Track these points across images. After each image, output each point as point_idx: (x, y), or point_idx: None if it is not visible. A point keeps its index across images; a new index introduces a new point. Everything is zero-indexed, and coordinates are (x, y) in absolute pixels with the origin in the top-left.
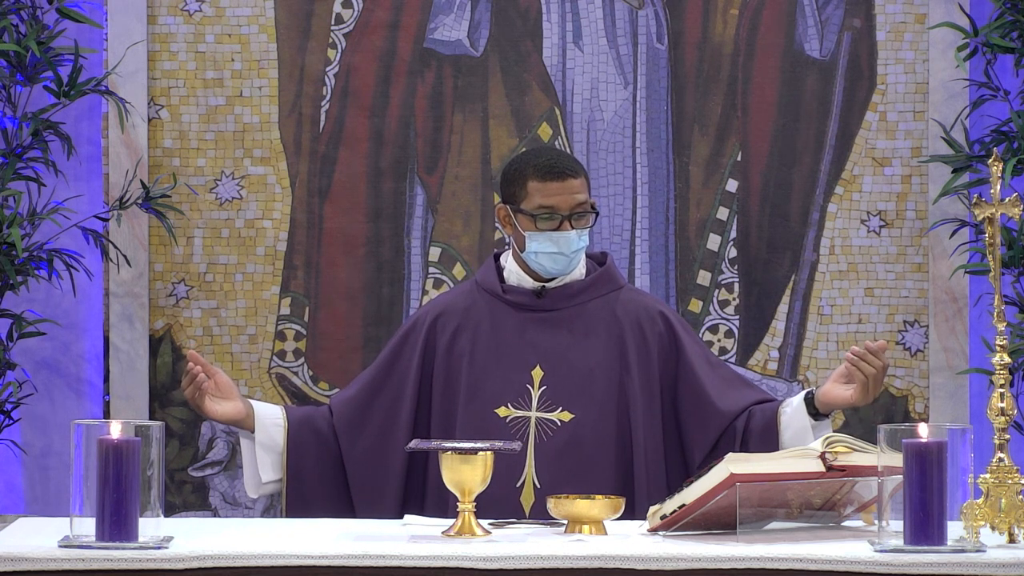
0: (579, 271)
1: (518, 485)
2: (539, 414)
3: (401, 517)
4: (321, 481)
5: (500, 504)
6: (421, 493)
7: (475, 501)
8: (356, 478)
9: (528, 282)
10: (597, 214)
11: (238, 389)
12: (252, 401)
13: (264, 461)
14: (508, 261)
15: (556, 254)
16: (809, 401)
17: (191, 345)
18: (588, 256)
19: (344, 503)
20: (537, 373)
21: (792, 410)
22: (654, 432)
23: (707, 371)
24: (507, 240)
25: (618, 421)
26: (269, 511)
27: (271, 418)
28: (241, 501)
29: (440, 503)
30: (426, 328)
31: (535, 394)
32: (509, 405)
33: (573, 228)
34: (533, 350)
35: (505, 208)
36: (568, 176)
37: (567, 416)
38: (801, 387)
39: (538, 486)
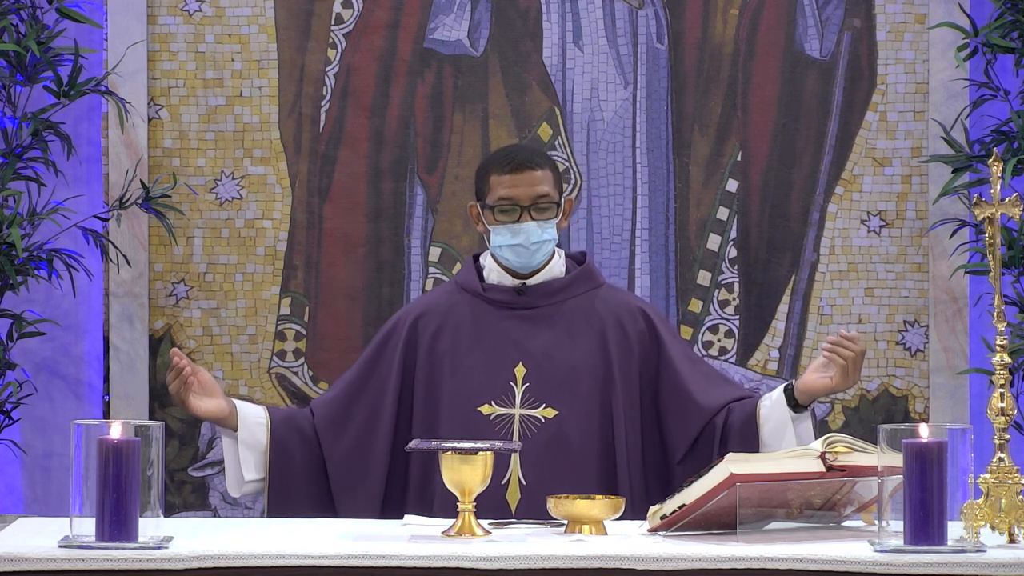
0: (558, 268)
1: (503, 483)
2: (523, 411)
3: (382, 517)
4: (303, 480)
5: (485, 502)
6: (402, 492)
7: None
8: (337, 478)
9: (508, 280)
10: (559, 206)
11: (221, 388)
12: (235, 400)
13: (247, 459)
14: (487, 260)
15: (517, 246)
16: (789, 394)
17: (191, 345)
18: (568, 256)
19: (326, 503)
20: (520, 370)
21: (772, 403)
22: (635, 428)
23: (688, 368)
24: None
25: (601, 417)
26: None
27: (254, 417)
28: (241, 501)
29: (423, 502)
30: (407, 329)
31: (518, 391)
32: (492, 403)
33: (533, 220)
34: (515, 348)
35: (476, 206)
36: (527, 168)
37: (551, 413)
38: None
39: (524, 483)
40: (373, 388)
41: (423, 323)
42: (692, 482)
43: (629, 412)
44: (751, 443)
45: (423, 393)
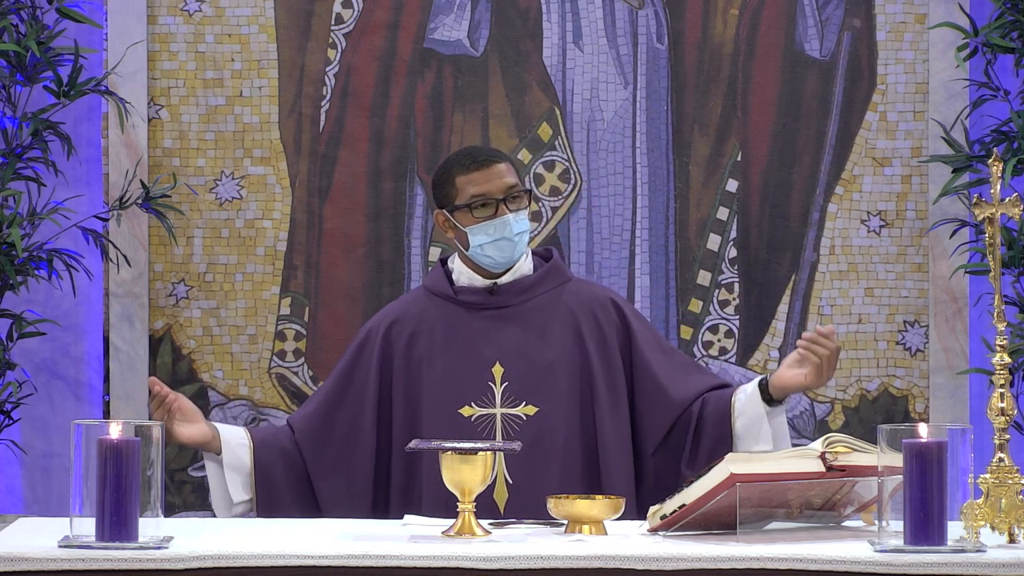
0: (527, 266)
1: (490, 483)
2: (504, 410)
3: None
4: (290, 496)
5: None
6: (385, 495)
7: (447, 502)
8: (324, 491)
9: (479, 281)
10: (530, 193)
11: (201, 413)
12: (216, 424)
13: (235, 481)
14: (456, 263)
15: (500, 240)
16: (764, 388)
17: (191, 345)
18: (534, 253)
19: (314, 516)
20: (497, 370)
21: (746, 397)
22: (617, 419)
23: (660, 358)
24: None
25: (582, 410)
26: None
27: (236, 439)
28: None
29: (409, 503)
30: (381, 337)
31: (498, 391)
32: (473, 404)
33: (509, 211)
34: (491, 347)
35: (443, 213)
36: (492, 162)
37: (532, 410)
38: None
39: (510, 482)
40: (351, 399)
41: (396, 330)
42: (692, 482)
43: (610, 402)
44: (725, 436)
45: (402, 400)
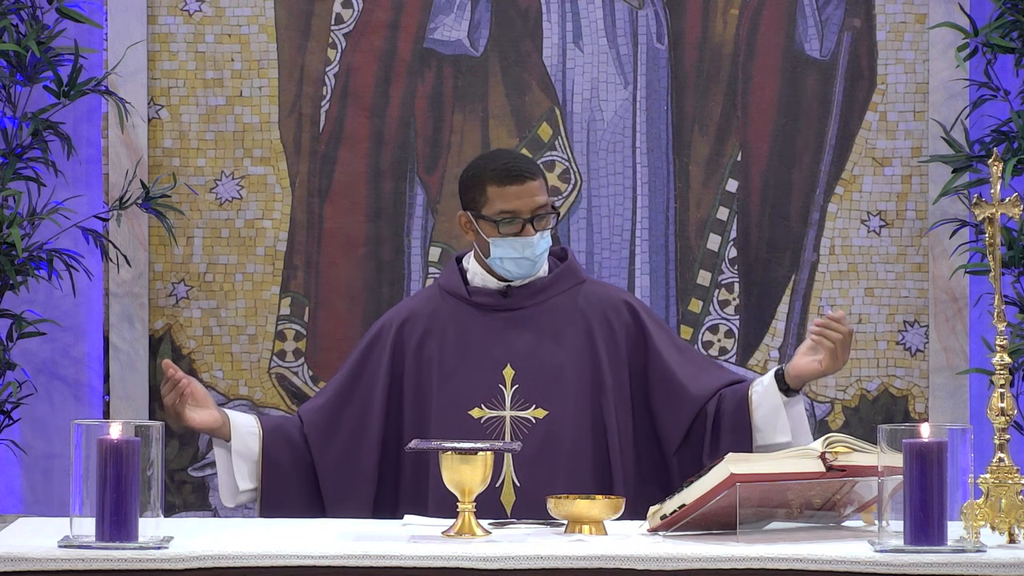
0: (543, 269)
1: (498, 485)
2: (513, 413)
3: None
4: (294, 487)
5: (481, 504)
6: (394, 495)
7: (454, 502)
8: (328, 485)
9: (493, 283)
10: (558, 214)
11: (212, 398)
12: (227, 410)
13: (241, 469)
14: (471, 263)
15: (520, 259)
16: (780, 379)
17: (191, 345)
18: (550, 253)
19: (317, 508)
20: (508, 372)
21: (763, 389)
22: (627, 422)
23: (675, 356)
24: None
25: (592, 414)
26: None
27: (246, 426)
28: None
29: (417, 503)
30: (393, 334)
31: (508, 393)
32: (483, 406)
33: (535, 231)
34: (503, 350)
35: (466, 215)
36: (527, 179)
37: (541, 413)
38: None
39: (518, 484)
40: (361, 395)
41: (408, 328)
42: (692, 482)
43: (620, 407)
44: (744, 429)
45: (412, 399)
